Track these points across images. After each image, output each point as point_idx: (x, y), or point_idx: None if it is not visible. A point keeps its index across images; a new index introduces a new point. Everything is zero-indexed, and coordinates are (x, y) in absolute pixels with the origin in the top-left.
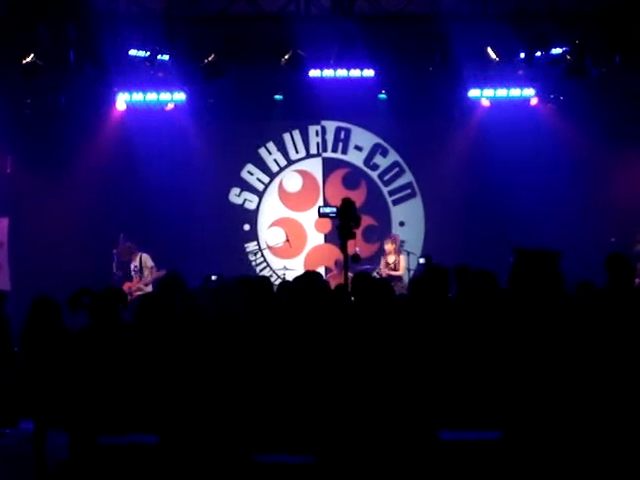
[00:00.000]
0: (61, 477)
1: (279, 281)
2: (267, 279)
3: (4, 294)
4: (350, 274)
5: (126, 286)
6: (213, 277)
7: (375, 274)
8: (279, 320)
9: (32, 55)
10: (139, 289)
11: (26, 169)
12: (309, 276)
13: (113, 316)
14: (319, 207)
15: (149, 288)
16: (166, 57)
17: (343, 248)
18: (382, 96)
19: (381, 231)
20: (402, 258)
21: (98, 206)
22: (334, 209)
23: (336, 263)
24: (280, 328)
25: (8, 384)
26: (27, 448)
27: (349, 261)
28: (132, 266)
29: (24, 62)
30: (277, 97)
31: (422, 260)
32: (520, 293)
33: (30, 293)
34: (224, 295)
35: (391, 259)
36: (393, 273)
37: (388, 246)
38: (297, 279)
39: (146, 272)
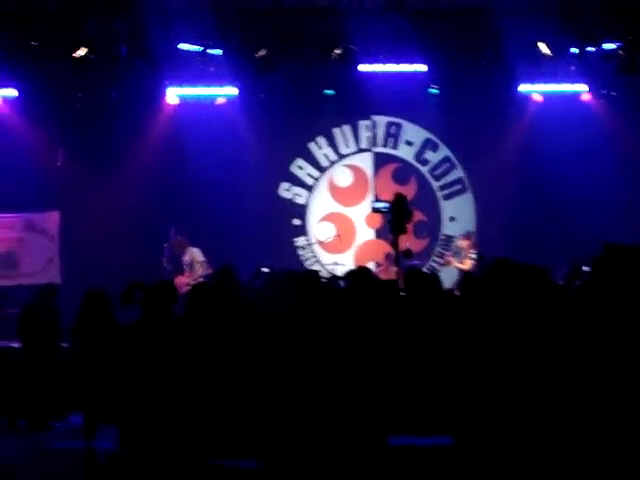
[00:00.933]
0: (111, 471)
1: (328, 276)
2: (316, 273)
3: (55, 287)
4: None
5: (177, 280)
6: (264, 269)
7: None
8: (329, 314)
9: (84, 49)
10: (189, 284)
11: (77, 163)
12: (360, 271)
13: (166, 310)
14: (371, 202)
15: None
16: (217, 51)
17: (395, 243)
18: (433, 91)
19: (431, 226)
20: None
21: (149, 200)
22: (387, 204)
23: (387, 257)
24: (331, 323)
25: (58, 378)
26: (77, 442)
27: (400, 256)
28: (183, 260)
29: (75, 56)
30: (328, 92)
31: (474, 257)
32: (604, 289)
33: (80, 287)
34: (275, 289)
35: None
36: (461, 266)
37: (461, 242)
38: (348, 274)
39: (197, 266)
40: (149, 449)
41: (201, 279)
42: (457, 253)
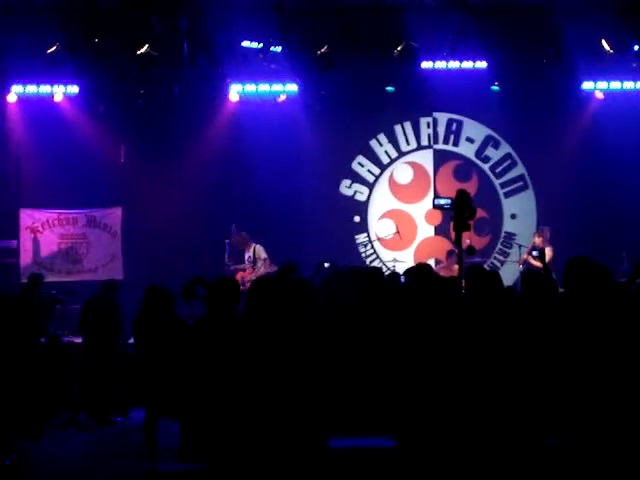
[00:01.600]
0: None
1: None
2: (379, 270)
3: (117, 283)
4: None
5: (239, 275)
6: (326, 264)
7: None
8: (391, 311)
9: (146, 46)
10: (251, 280)
11: (139, 159)
12: (420, 268)
13: (229, 307)
14: (433, 198)
15: None
16: (279, 48)
17: (457, 240)
18: (494, 88)
19: (492, 224)
20: (548, 250)
21: (210, 196)
22: (449, 200)
23: (449, 254)
24: (392, 319)
25: (120, 373)
26: (138, 437)
27: (462, 253)
28: (246, 256)
29: (138, 53)
30: (389, 88)
31: (535, 253)
32: None
33: (142, 283)
34: (337, 284)
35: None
36: (536, 263)
37: (535, 239)
38: (408, 271)
39: (259, 263)
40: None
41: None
42: (533, 250)
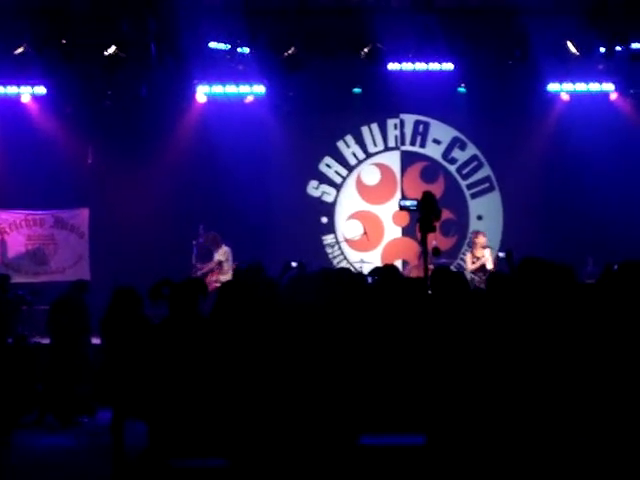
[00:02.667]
0: (140, 467)
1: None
2: (347, 270)
3: (86, 284)
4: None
5: (207, 278)
6: (293, 263)
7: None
8: (358, 310)
9: (114, 47)
10: (218, 280)
11: (106, 160)
12: (387, 269)
13: (192, 307)
14: (399, 200)
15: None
16: (246, 50)
17: (423, 241)
18: (461, 90)
19: (459, 225)
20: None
21: (177, 197)
22: (415, 202)
23: (419, 255)
24: (359, 318)
25: (87, 373)
26: (105, 437)
27: (429, 254)
28: (215, 257)
29: (106, 54)
30: (356, 90)
31: (502, 254)
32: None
33: (109, 283)
34: (304, 285)
35: (480, 253)
36: (490, 266)
37: (480, 239)
38: (374, 271)
39: (226, 266)
40: (177, 447)
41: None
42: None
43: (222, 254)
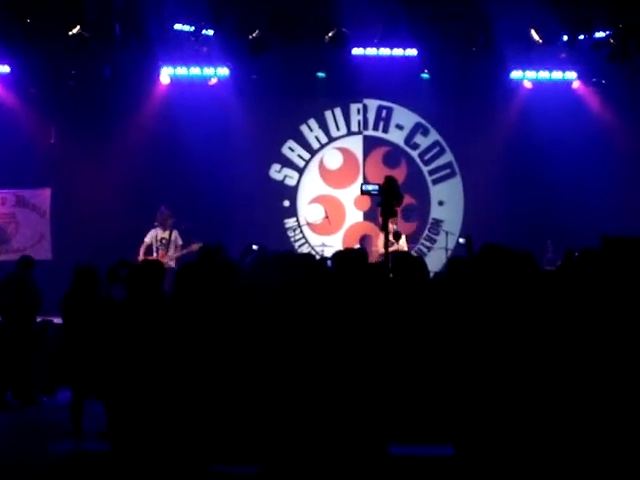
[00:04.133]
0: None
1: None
2: (309, 255)
3: (31, 261)
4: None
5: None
6: (254, 246)
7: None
8: (319, 296)
9: (78, 27)
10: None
11: (69, 140)
12: (348, 253)
13: (150, 289)
14: (361, 184)
15: (172, 263)
16: (211, 32)
17: (384, 226)
18: (424, 75)
19: (420, 210)
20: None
21: (140, 178)
22: (377, 187)
23: (362, 239)
24: (319, 304)
25: (44, 352)
26: (64, 417)
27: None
28: (159, 237)
29: (70, 34)
30: (320, 74)
31: (462, 240)
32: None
33: (70, 263)
34: (265, 269)
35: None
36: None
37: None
38: (335, 255)
39: (172, 249)
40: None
41: (174, 261)
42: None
43: (169, 236)
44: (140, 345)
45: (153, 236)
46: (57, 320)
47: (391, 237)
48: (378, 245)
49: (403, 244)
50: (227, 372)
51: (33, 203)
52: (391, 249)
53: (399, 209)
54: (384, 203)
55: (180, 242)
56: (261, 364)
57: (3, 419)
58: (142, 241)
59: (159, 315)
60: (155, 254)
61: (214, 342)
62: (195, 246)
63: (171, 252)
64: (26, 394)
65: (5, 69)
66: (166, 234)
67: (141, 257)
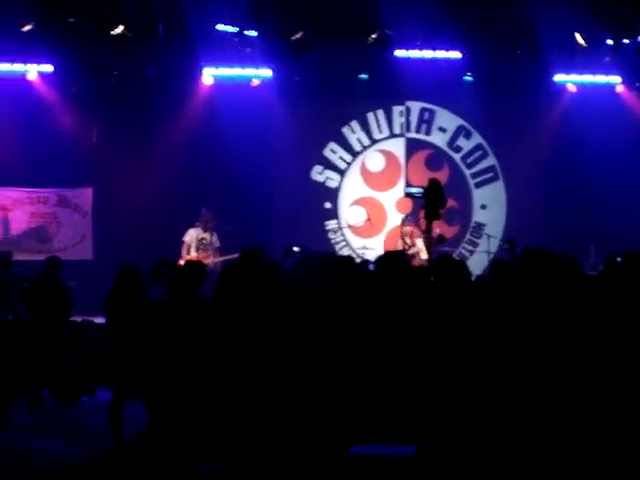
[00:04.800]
0: (139, 448)
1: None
2: (349, 258)
3: (58, 261)
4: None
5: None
6: (295, 248)
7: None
8: (360, 299)
9: (121, 27)
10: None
11: (112, 139)
12: (391, 256)
13: (192, 289)
14: (405, 187)
15: (213, 266)
16: (253, 33)
17: (428, 229)
18: (467, 78)
19: (462, 214)
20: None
21: (181, 178)
22: (421, 189)
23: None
24: (361, 307)
25: (81, 352)
26: (103, 417)
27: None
28: (200, 237)
29: (113, 34)
30: (362, 76)
31: (503, 244)
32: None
33: (112, 263)
34: (306, 271)
35: (409, 241)
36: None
37: (405, 228)
38: (379, 259)
39: (211, 251)
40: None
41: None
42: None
43: (209, 237)
44: (181, 346)
45: (193, 236)
46: (98, 320)
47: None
48: (417, 247)
49: (421, 247)
50: (266, 374)
51: (75, 203)
52: (410, 252)
53: (442, 212)
54: (428, 206)
55: (218, 244)
56: (301, 367)
57: (41, 419)
58: (182, 241)
59: (200, 316)
60: (195, 254)
61: (254, 344)
62: (235, 254)
63: (211, 256)
64: (64, 394)
65: (48, 68)
66: (206, 235)
67: (184, 257)
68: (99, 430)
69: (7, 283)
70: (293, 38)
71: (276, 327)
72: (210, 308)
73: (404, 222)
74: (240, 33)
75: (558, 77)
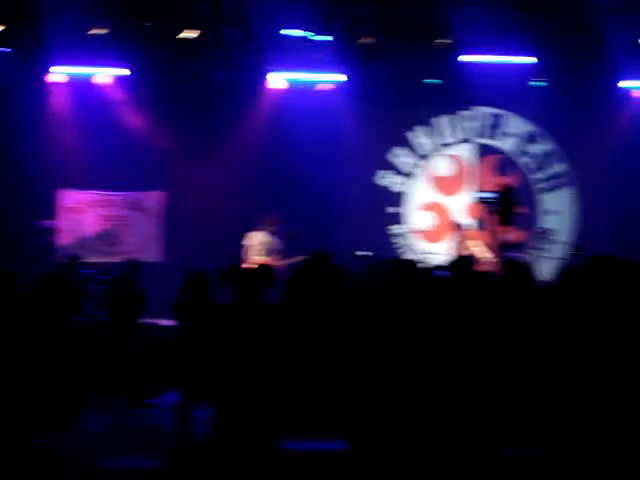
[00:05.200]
0: (206, 451)
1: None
2: (415, 262)
3: (137, 264)
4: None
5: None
6: (361, 253)
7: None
8: (430, 303)
9: (192, 31)
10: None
11: (181, 144)
12: (461, 261)
13: (260, 292)
14: (477, 192)
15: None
16: (323, 37)
17: (499, 234)
18: (536, 83)
19: (531, 219)
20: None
21: (249, 183)
22: (493, 195)
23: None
24: (431, 312)
25: (149, 355)
26: (170, 420)
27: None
28: (263, 240)
29: (181, 38)
30: (430, 81)
31: (573, 250)
32: None
33: (180, 266)
34: (374, 275)
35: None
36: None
37: (465, 235)
38: (450, 264)
39: (274, 254)
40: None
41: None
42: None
43: (251, 238)
44: (249, 349)
45: (256, 239)
46: (165, 322)
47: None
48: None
49: (480, 251)
50: (332, 377)
51: (145, 206)
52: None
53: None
54: (501, 211)
55: (281, 247)
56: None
57: (109, 421)
58: (245, 244)
59: (268, 319)
60: (258, 257)
61: (322, 348)
62: (300, 257)
63: (274, 260)
64: (132, 396)
65: (119, 72)
66: (269, 238)
67: (247, 260)
68: (167, 433)
69: (76, 285)
70: (361, 43)
71: (344, 331)
72: (278, 311)
73: (463, 226)
74: (310, 38)
75: (627, 83)
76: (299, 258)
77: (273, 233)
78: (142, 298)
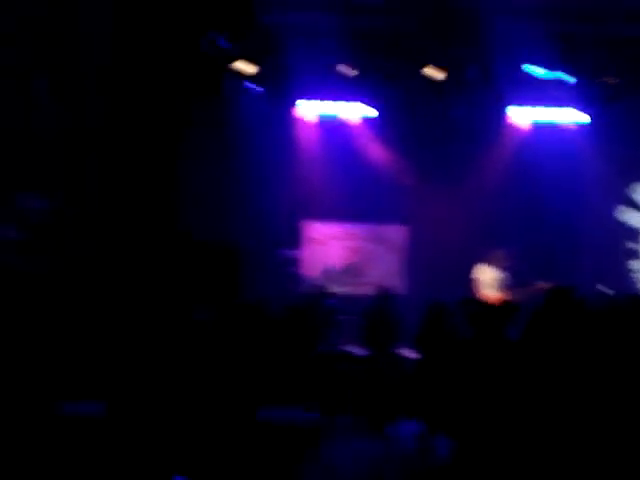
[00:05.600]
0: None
1: None
2: None
3: (391, 296)
4: None
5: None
6: (604, 289)
7: None
8: None
9: (440, 71)
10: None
11: (425, 180)
12: None
13: (499, 327)
14: None
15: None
16: (566, 76)
17: None
18: None
19: None
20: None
21: (489, 218)
22: None
23: None
24: None
25: (397, 383)
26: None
27: None
28: (492, 275)
29: (429, 76)
30: None
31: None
32: None
33: (422, 299)
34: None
35: None
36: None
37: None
38: None
39: (502, 290)
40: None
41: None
42: None
43: (480, 272)
44: (491, 385)
45: (487, 274)
46: (405, 352)
47: None
48: None
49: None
50: (575, 421)
51: (388, 239)
52: None
53: None
54: None
55: (508, 283)
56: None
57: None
58: (475, 278)
59: (509, 355)
60: (491, 291)
61: (564, 387)
62: (541, 284)
63: (506, 295)
64: (379, 421)
65: (371, 112)
66: (499, 274)
67: (480, 293)
68: (406, 462)
69: (322, 316)
70: (607, 82)
71: (588, 369)
72: (519, 348)
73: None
74: (552, 76)
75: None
76: (539, 286)
77: (502, 269)
78: (396, 328)
